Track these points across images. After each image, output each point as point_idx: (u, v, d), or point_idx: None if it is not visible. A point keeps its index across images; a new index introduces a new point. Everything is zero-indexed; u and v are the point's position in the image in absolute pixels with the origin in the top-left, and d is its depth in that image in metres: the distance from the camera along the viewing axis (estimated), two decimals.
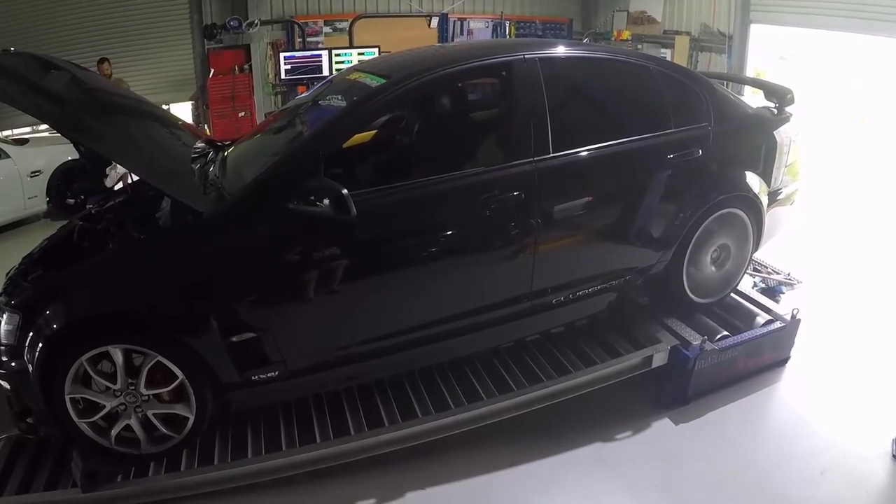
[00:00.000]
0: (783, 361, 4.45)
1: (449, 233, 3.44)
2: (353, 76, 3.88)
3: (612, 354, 3.96)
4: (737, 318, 4.36)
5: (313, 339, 3.36)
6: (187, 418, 3.20)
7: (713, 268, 4.19)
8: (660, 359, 3.95)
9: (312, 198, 2.98)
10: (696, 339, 3.96)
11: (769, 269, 5.34)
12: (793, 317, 4.26)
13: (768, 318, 4.27)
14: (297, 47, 10.01)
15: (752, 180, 4.12)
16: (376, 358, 3.53)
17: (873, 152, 8.47)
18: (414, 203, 3.33)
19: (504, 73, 3.62)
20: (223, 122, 9.64)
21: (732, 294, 4.45)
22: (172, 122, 4.20)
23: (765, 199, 4.20)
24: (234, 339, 3.07)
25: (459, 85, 4.34)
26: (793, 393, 4.29)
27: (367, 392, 3.76)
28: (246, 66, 10.00)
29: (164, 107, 10.03)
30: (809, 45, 9.30)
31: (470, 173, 3.47)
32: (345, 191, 2.96)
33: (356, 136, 3.76)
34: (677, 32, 10.75)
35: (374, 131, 4.11)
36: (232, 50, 10.19)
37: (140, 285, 3.05)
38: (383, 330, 3.46)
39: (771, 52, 9.86)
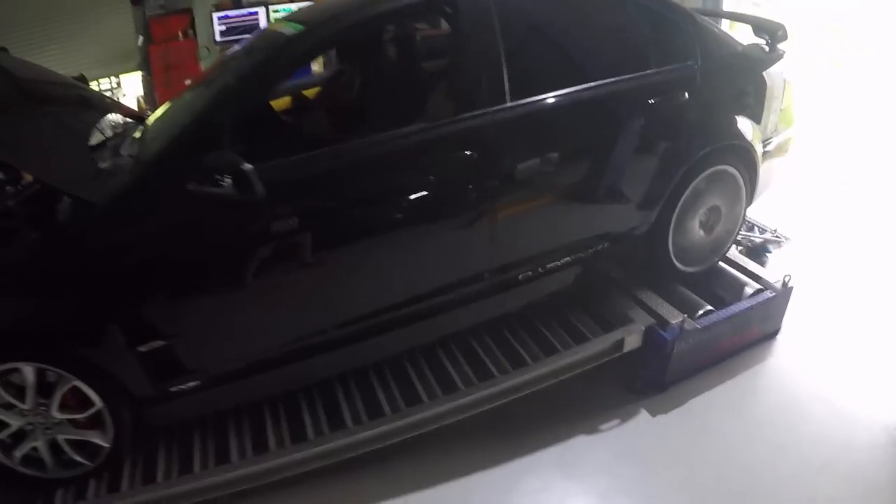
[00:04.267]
0: (773, 334, 3.66)
1: (388, 206, 2.66)
2: (273, 27, 3.17)
3: (578, 339, 3.17)
4: (721, 287, 3.58)
5: (236, 340, 2.64)
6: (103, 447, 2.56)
7: (702, 232, 3.39)
8: (633, 342, 3.16)
9: (217, 176, 2.27)
10: (674, 317, 3.14)
11: (755, 226, 4.48)
12: (784, 284, 3.46)
13: (757, 286, 3.45)
14: (243, 6, 8.87)
15: (745, 127, 3.30)
16: (315, 356, 2.79)
17: (850, 95, 7.52)
18: (344, 172, 2.58)
19: (447, 8, 2.78)
20: (170, 91, 8.54)
21: None
22: (85, 100, 3.24)
23: (759, 149, 3.38)
24: (142, 348, 2.40)
25: (392, 28, 3.51)
26: (784, 372, 3.54)
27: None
28: (190, 32, 8.88)
29: (108, 81, 9.18)
30: None
31: (408, 132, 2.67)
32: (247, 166, 2.24)
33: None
34: None
35: (300, 90, 3.35)
36: (176, 15, 9.09)
37: (37, 294, 2.34)
38: (317, 325, 2.74)
39: None
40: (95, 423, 2.50)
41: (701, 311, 3.28)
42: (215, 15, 8.66)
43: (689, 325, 3.14)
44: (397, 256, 2.74)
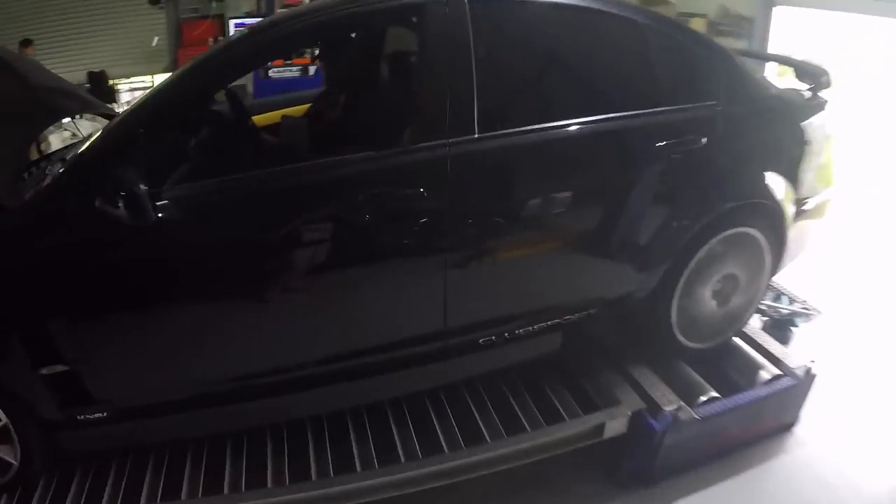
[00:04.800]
0: (788, 426, 3.06)
1: (310, 244, 2.23)
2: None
3: (550, 418, 2.61)
4: (733, 368, 3.03)
5: (146, 374, 2.27)
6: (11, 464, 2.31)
7: (714, 303, 2.84)
8: (616, 428, 2.63)
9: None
10: (669, 403, 2.60)
11: (782, 295, 3.90)
12: (807, 372, 2.86)
13: (775, 371, 2.86)
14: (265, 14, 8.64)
15: (775, 184, 2.75)
16: (231, 404, 2.41)
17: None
18: (263, 200, 2.18)
19: (414, 18, 2.34)
20: None
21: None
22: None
23: (790, 211, 2.83)
24: (45, 371, 2.13)
25: (345, 36, 3.13)
26: (798, 472, 2.98)
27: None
28: (221, 39, 8.68)
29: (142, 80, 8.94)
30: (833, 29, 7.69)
31: (346, 161, 2.25)
32: (141, 187, 1.93)
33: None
34: (692, 15, 9.10)
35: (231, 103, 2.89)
36: (208, 20, 8.90)
37: None
38: (231, 370, 2.36)
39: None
40: (3, 438, 2.26)
41: (703, 398, 2.71)
42: (232, 22, 8.40)
43: (686, 414, 2.60)
44: (323, 304, 2.29)
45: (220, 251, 2.15)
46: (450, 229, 2.26)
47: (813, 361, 2.93)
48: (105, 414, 2.25)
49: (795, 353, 3.09)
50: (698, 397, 2.75)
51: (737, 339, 3.13)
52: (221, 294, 2.22)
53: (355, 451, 2.51)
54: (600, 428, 2.62)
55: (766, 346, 3.08)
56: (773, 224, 2.78)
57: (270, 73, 7.80)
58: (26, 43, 7.55)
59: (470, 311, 2.43)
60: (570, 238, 2.52)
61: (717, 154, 2.59)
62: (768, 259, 2.86)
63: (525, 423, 2.62)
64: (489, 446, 2.52)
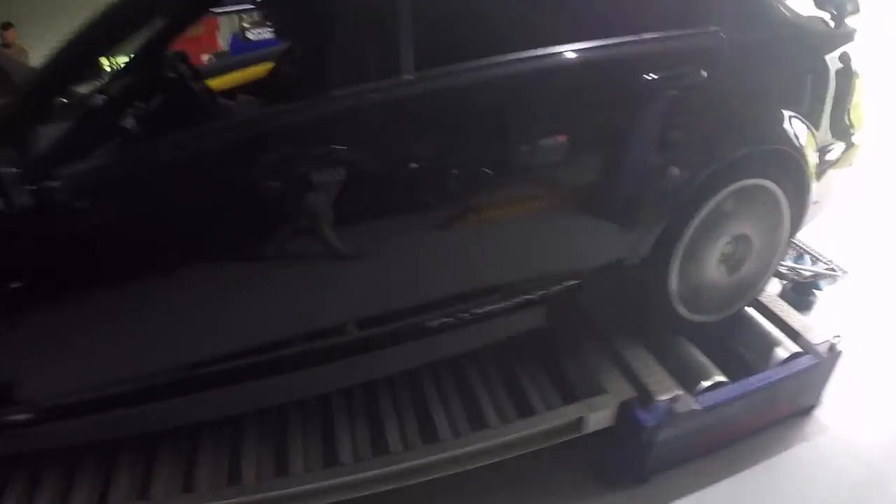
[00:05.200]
0: (807, 410, 2.61)
1: (224, 222, 1.81)
2: None
3: (522, 410, 2.20)
4: (745, 344, 2.59)
5: (64, 371, 1.91)
6: None
7: (722, 270, 2.38)
8: (599, 421, 2.20)
9: None
10: (664, 392, 2.16)
11: (806, 254, 3.40)
12: (831, 349, 2.39)
13: (794, 348, 2.39)
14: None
15: (796, 128, 2.26)
16: (168, 399, 2.01)
17: None
18: (167, 174, 1.78)
19: None
20: None
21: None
22: None
23: (813, 159, 2.33)
24: None
25: None
26: (818, 465, 2.52)
27: None
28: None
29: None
30: None
31: (244, 121, 1.91)
32: (4, 170, 1.58)
33: None
34: None
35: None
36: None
37: None
38: (159, 362, 1.96)
39: None
40: None
41: (707, 383, 2.27)
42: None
43: (684, 404, 2.17)
44: (239, 288, 1.89)
45: (123, 232, 1.75)
46: (388, 193, 1.82)
47: (838, 337, 2.45)
48: (31, 416, 1.92)
49: (818, 326, 2.62)
50: (701, 382, 2.30)
51: (750, 310, 2.65)
52: (129, 278, 1.81)
53: (294, 453, 2.13)
54: (578, 423, 2.18)
55: (784, 317, 2.62)
56: (793, 175, 2.30)
57: (248, 34, 7.22)
58: (6, 26, 7.23)
59: (410, 291, 2.00)
60: (541, 198, 2.07)
61: (722, 91, 2.09)
62: (787, 216, 2.38)
63: (493, 417, 2.20)
64: (443, 445, 2.11)
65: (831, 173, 2.53)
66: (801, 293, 3.26)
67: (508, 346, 2.40)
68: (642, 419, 2.15)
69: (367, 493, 2.07)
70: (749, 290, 2.53)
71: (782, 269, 3.25)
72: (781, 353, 2.47)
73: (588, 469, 2.46)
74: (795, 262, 3.41)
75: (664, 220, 2.16)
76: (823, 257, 3.42)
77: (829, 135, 2.42)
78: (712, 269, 2.37)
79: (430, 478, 2.12)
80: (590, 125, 2.01)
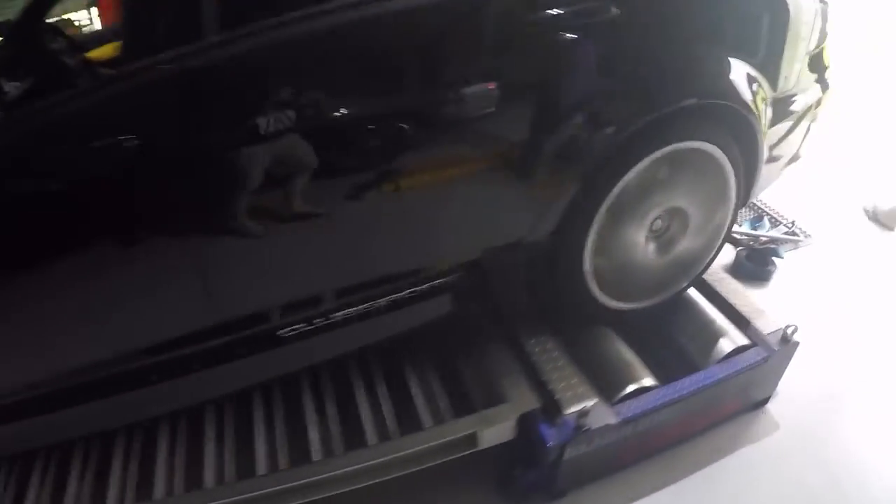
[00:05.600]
0: (759, 404, 2.17)
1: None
2: None
3: (406, 423, 1.79)
4: (684, 333, 2.12)
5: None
6: None
7: (651, 248, 1.94)
8: (496, 436, 1.78)
9: None
10: (574, 401, 1.72)
11: (765, 216, 2.97)
12: (784, 340, 1.95)
13: (742, 340, 1.95)
14: None
15: (743, 77, 1.77)
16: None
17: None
18: None
19: None
20: None
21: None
22: None
23: (766, 116, 1.86)
24: None
25: None
26: (770, 465, 2.15)
27: None
28: None
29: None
30: None
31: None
32: None
33: None
34: None
35: None
36: None
37: None
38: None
39: None
40: None
41: (633, 387, 1.83)
42: None
43: (597, 418, 1.73)
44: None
45: None
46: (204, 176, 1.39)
47: (792, 328, 2.02)
48: None
49: (772, 310, 2.17)
50: (625, 387, 1.85)
51: (693, 293, 2.20)
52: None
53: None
54: (471, 438, 1.74)
55: (731, 300, 2.18)
56: (741, 135, 1.82)
57: None
58: None
59: (251, 294, 1.58)
60: (419, 168, 1.56)
61: (644, 32, 1.59)
62: (733, 185, 1.90)
63: (372, 433, 1.75)
64: (314, 468, 1.67)
65: (791, 128, 2.04)
66: (757, 262, 2.84)
67: (398, 344, 1.94)
68: (545, 436, 1.71)
69: None
70: (686, 273, 2.09)
71: (736, 235, 2.80)
72: (727, 345, 2.03)
73: (494, 483, 2.02)
74: (752, 225, 2.96)
75: (572, 189, 1.66)
76: (784, 219, 2.98)
77: (790, 84, 1.91)
78: (638, 248, 1.91)
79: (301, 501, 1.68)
80: (476, 73, 1.50)
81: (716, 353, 2.03)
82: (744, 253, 2.86)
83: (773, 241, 2.88)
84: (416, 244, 1.66)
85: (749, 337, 2.06)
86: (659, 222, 1.89)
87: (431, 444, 1.76)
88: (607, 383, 1.87)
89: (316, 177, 1.44)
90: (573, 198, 1.68)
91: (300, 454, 1.77)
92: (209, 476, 1.74)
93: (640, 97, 1.63)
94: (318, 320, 1.65)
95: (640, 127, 1.62)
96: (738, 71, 1.75)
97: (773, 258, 2.87)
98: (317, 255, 1.55)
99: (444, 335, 1.97)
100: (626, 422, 1.80)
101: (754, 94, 1.77)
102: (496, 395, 1.84)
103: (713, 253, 2.06)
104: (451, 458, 1.82)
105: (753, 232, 2.87)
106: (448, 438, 1.77)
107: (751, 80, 1.77)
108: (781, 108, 1.96)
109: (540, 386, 1.85)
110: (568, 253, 1.78)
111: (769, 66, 1.83)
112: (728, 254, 2.89)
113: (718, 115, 1.74)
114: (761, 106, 1.80)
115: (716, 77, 1.72)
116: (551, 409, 1.79)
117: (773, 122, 1.96)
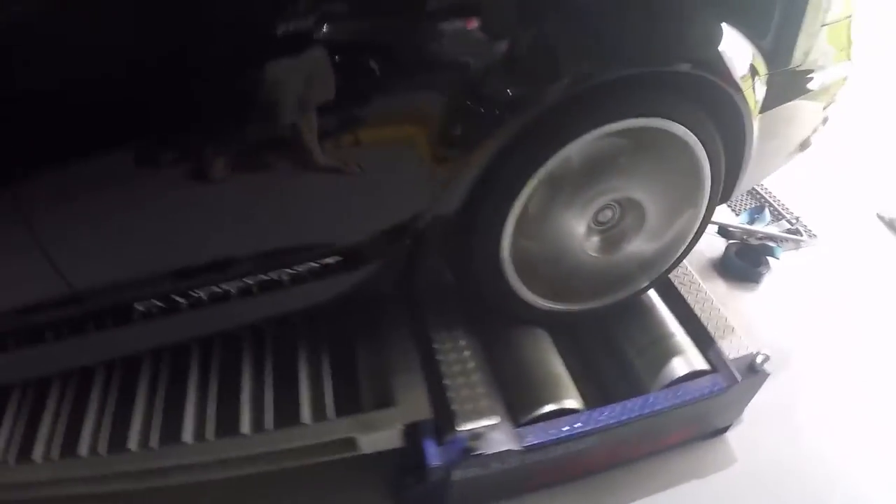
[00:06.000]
0: (716, 433, 1.82)
1: None
2: None
3: (285, 416, 1.49)
4: (633, 347, 1.79)
5: None
6: None
7: (594, 242, 1.59)
8: (380, 441, 1.46)
9: None
10: (472, 417, 1.38)
11: (766, 206, 2.56)
12: (752, 369, 1.59)
13: (701, 364, 1.60)
14: None
15: (727, 41, 1.34)
16: None
17: None
18: None
19: None
20: None
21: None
22: None
23: (757, 92, 1.42)
24: None
25: None
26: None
27: None
28: None
29: None
30: None
31: None
32: None
33: None
34: None
35: None
36: None
37: None
38: None
39: None
40: None
41: (545, 409, 1.49)
42: None
43: (494, 442, 1.40)
44: None
45: None
46: None
47: (763, 356, 1.65)
48: None
49: (745, 332, 1.81)
50: (540, 406, 1.51)
51: (654, 297, 1.84)
52: None
53: None
54: (350, 442, 1.42)
55: (697, 310, 1.81)
56: (723, 117, 1.39)
57: None
58: None
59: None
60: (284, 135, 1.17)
61: None
62: (708, 177, 1.49)
63: (247, 422, 1.45)
64: (183, 450, 1.38)
65: (809, 106, 1.62)
66: (749, 261, 2.45)
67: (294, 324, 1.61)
68: (427, 455, 1.38)
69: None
70: (644, 272, 1.69)
71: (728, 227, 2.40)
72: (680, 367, 1.67)
73: (385, 491, 1.72)
74: (751, 216, 2.55)
75: (479, 158, 1.26)
76: (789, 214, 2.56)
77: (804, 57, 1.49)
78: (576, 240, 1.53)
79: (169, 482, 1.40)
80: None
81: (665, 375, 1.67)
82: (734, 248, 2.47)
83: (772, 238, 2.47)
84: (287, 218, 1.30)
85: (709, 360, 1.71)
86: (609, 213, 1.50)
87: (306, 442, 1.44)
88: (521, 399, 1.54)
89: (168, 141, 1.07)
90: (487, 168, 1.28)
91: (173, 433, 1.46)
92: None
93: (577, 56, 1.21)
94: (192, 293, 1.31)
95: (581, 92, 1.21)
96: (724, 35, 1.32)
97: (768, 258, 2.47)
98: (177, 224, 1.20)
99: (346, 316, 1.63)
100: (530, 449, 1.45)
101: (746, 67, 1.34)
102: (388, 397, 1.50)
103: (678, 254, 1.68)
104: (330, 458, 1.52)
105: (748, 227, 2.46)
106: (324, 440, 1.45)
107: (741, 47, 1.34)
108: (792, 84, 1.53)
109: (439, 392, 1.50)
110: (482, 237, 1.40)
111: (780, 32, 1.39)
112: (715, 246, 2.50)
113: (692, 89, 1.32)
114: (752, 83, 1.38)
115: (692, 39, 1.30)
116: (445, 421, 1.45)
117: (781, 101, 1.53)
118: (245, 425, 1.48)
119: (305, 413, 1.51)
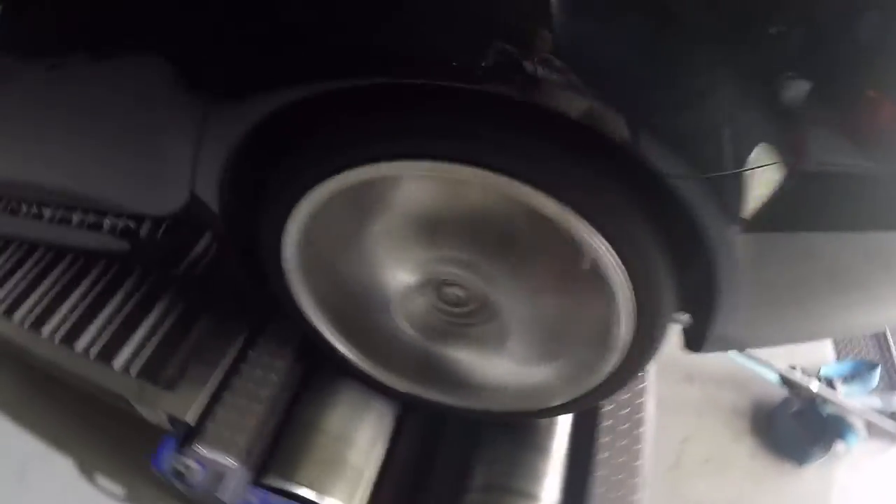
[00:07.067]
0: None
1: None
2: None
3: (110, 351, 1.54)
4: (482, 476, 1.44)
5: None
6: None
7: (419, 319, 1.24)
8: (150, 415, 1.49)
9: None
10: (218, 447, 1.31)
11: (889, 358, 1.87)
12: None
13: None
14: None
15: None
16: None
17: None
18: None
19: None
20: None
21: None
22: None
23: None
24: None
25: None
26: None
27: None
28: None
29: None
30: None
31: None
32: None
33: None
34: None
35: None
36: None
37: None
38: None
39: None
40: None
41: (292, 488, 1.34)
42: None
43: (205, 481, 1.30)
44: None
45: None
46: None
47: None
48: None
49: None
50: (291, 478, 1.35)
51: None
52: None
53: None
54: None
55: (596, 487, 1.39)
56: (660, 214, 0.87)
57: None
58: None
59: None
60: None
61: None
62: (628, 303, 0.96)
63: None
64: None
65: None
66: (805, 430, 1.80)
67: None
68: (160, 451, 1.32)
69: None
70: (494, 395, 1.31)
71: (800, 380, 1.78)
72: None
73: None
74: (855, 369, 1.85)
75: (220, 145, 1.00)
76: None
77: None
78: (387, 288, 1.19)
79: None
80: None
81: None
82: (793, 406, 1.82)
83: (859, 415, 1.77)
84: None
85: None
86: (457, 291, 1.15)
87: (92, 378, 1.47)
88: (284, 459, 1.35)
89: None
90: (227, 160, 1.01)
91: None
92: None
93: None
94: None
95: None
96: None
97: (840, 439, 1.79)
98: None
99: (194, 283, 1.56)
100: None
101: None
102: (180, 378, 1.44)
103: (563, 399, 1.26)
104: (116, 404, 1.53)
105: (838, 399, 1.76)
106: (106, 385, 1.46)
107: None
108: None
109: (214, 397, 1.39)
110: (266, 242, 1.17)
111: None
112: (764, 389, 1.87)
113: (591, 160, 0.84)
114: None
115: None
116: (195, 432, 1.35)
117: None
118: (82, 344, 1.52)
119: (123, 354, 1.50)
